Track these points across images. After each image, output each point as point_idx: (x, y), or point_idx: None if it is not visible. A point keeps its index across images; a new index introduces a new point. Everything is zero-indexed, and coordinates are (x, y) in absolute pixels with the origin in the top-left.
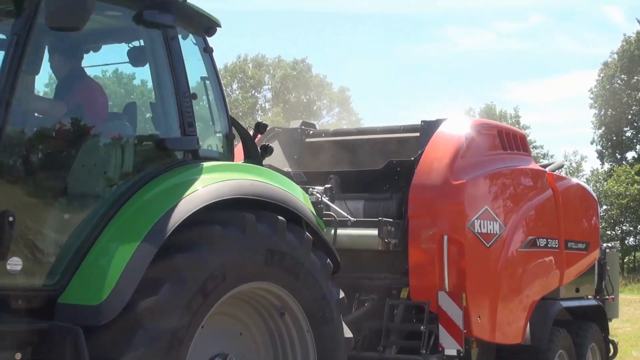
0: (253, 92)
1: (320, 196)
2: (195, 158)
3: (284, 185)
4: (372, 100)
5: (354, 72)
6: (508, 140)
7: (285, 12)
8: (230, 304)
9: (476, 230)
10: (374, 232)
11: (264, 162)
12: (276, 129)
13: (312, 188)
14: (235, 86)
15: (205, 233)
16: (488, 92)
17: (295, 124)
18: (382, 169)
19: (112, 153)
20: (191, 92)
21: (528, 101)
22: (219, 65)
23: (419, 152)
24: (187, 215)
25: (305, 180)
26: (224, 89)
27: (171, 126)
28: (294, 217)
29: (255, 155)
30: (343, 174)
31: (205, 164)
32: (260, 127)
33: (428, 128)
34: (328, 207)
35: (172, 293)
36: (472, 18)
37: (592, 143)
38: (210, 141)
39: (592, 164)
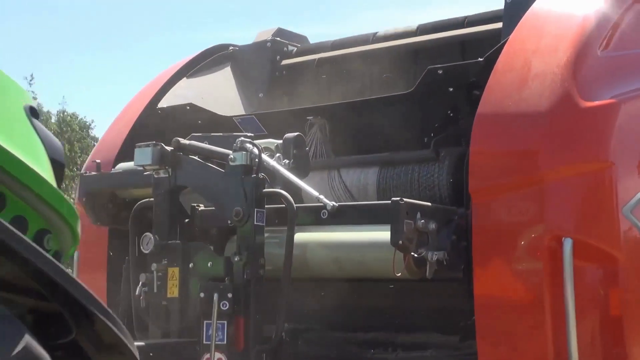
0: None
1: (264, 156)
2: None
3: None
4: None
5: None
6: None
7: None
8: None
9: None
10: (385, 235)
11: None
12: (231, 47)
13: (243, 138)
14: None
15: None
16: None
17: (265, 35)
18: (416, 91)
19: None
20: None
21: None
22: None
23: (499, 44)
24: None
25: (264, 132)
26: None
27: None
28: None
29: None
30: (334, 111)
31: None
32: None
33: (520, 7)
34: (287, 184)
35: None
36: None
37: None
38: None
39: None
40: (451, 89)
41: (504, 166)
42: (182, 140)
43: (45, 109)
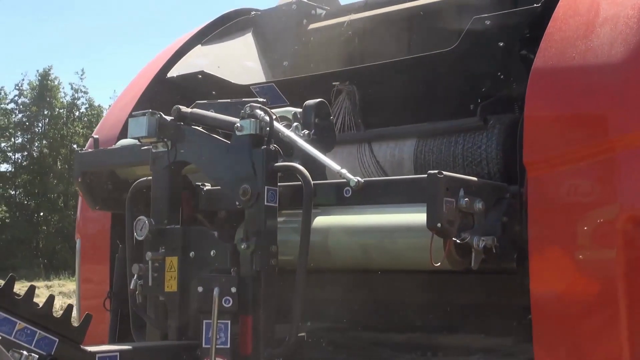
0: None
1: (278, 125)
2: None
3: None
4: None
5: None
6: None
7: None
8: None
9: None
10: (421, 217)
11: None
12: (253, 12)
13: (253, 104)
14: None
15: None
16: None
17: None
18: (459, 48)
19: None
20: None
21: None
22: None
23: None
24: None
25: (285, 102)
26: None
27: None
28: None
29: None
30: (363, 75)
31: None
32: None
33: None
34: (305, 158)
35: None
36: None
37: None
38: None
39: None
40: (501, 44)
41: (566, 132)
42: (184, 109)
43: (96, 104)
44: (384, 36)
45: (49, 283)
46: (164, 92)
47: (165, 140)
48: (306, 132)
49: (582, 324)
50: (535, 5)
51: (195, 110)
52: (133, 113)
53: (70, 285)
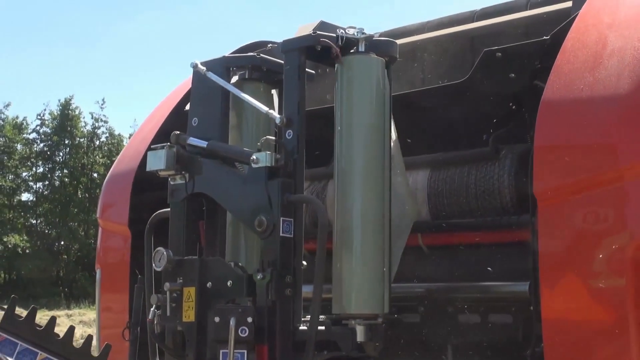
0: None
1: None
2: None
3: None
4: None
5: None
6: None
7: None
8: None
9: None
10: None
11: None
12: (270, 45)
13: (268, 137)
14: None
15: None
16: None
17: (306, 29)
18: (471, 80)
19: None
20: None
21: None
22: None
23: (568, 19)
24: None
25: None
26: None
27: None
28: None
29: None
30: None
31: None
32: None
33: None
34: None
35: None
36: None
37: None
38: None
39: None
40: (512, 75)
41: (575, 162)
42: (184, 135)
43: (116, 132)
44: (396, 68)
45: (70, 312)
46: (182, 124)
47: (183, 172)
48: None
49: (594, 351)
50: (544, 37)
51: (212, 142)
52: (152, 146)
53: (90, 314)
